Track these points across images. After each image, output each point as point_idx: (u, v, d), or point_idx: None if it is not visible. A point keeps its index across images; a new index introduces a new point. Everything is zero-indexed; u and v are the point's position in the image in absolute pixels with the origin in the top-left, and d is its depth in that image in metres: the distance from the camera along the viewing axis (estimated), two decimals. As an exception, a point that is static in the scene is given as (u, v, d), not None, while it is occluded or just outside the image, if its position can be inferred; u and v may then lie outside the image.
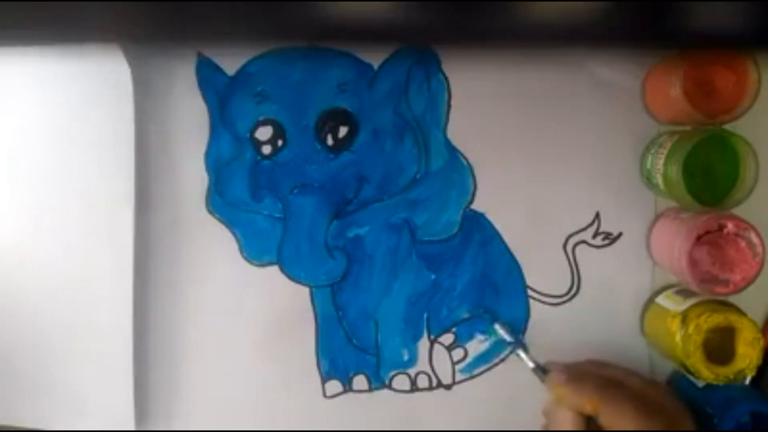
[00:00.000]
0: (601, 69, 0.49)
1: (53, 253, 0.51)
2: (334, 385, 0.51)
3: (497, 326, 0.49)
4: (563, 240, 0.50)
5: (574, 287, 0.50)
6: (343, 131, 0.50)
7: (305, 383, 0.51)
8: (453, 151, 0.50)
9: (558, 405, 0.41)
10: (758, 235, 0.43)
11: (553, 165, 0.50)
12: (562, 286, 0.50)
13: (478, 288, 0.51)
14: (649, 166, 0.47)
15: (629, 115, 0.49)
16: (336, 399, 0.51)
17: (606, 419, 0.38)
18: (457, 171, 0.50)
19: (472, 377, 0.51)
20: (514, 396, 0.50)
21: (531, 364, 0.46)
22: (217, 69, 0.50)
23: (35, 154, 0.51)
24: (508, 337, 0.48)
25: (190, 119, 0.50)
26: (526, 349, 0.47)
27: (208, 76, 0.50)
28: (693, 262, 0.43)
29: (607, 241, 0.50)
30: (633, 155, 0.49)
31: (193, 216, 0.51)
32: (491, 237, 0.50)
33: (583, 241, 0.50)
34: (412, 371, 0.51)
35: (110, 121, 0.50)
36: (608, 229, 0.50)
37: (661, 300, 0.48)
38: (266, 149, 0.50)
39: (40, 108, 0.51)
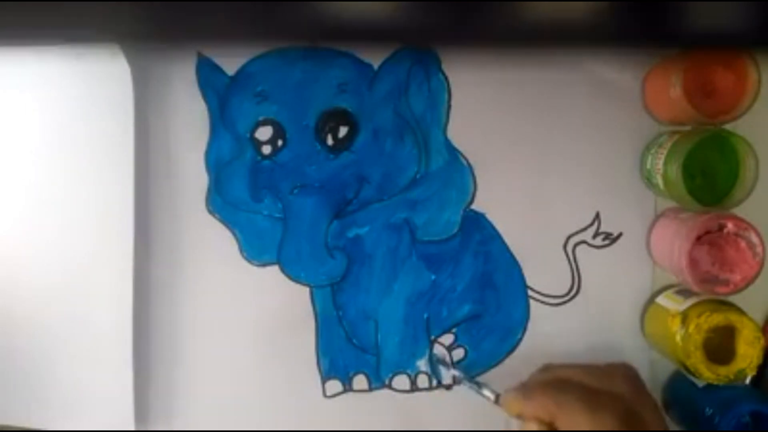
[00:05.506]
0: (601, 69, 0.49)
1: (53, 253, 0.51)
2: (334, 385, 0.51)
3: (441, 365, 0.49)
4: (563, 240, 0.50)
5: (574, 287, 0.50)
6: (343, 131, 0.50)
7: (305, 383, 0.51)
8: (453, 151, 0.50)
9: (521, 421, 0.42)
10: (758, 235, 0.43)
11: (553, 165, 0.50)
12: (562, 286, 0.50)
13: (479, 288, 0.51)
14: (649, 166, 0.47)
15: (629, 115, 0.49)
16: (336, 399, 0.51)
17: (561, 422, 0.39)
18: (457, 171, 0.50)
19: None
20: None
21: (491, 396, 0.45)
22: (217, 69, 0.50)
23: (35, 154, 0.51)
24: (455, 372, 0.48)
25: (190, 119, 0.50)
26: (478, 384, 0.47)
27: (208, 76, 0.50)
28: (693, 262, 0.43)
29: (607, 241, 0.50)
30: (633, 155, 0.49)
31: (193, 216, 0.51)
32: (491, 237, 0.50)
33: (583, 241, 0.50)
34: (412, 371, 0.51)
35: (110, 121, 0.50)
36: (608, 229, 0.50)
37: (661, 300, 0.48)
38: (266, 149, 0.50)
39: (40, 108, 0.51)
